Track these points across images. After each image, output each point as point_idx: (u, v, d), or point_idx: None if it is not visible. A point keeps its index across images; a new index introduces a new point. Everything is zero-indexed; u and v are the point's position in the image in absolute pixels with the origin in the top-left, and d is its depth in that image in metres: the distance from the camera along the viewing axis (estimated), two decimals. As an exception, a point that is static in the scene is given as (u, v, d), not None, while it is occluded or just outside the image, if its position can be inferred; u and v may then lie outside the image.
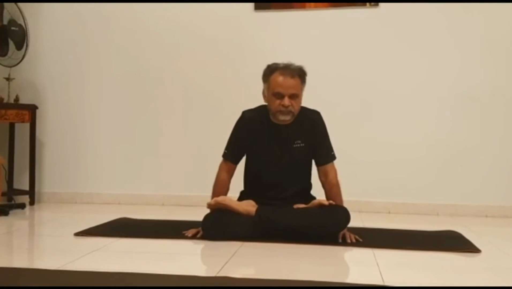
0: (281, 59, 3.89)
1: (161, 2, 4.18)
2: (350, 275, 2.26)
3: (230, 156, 2.93)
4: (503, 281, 2.06)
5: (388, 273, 2.10)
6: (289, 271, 2.15)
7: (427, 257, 2.46)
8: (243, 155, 2.97)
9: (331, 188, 2.87)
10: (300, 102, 2.82)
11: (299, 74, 2.78)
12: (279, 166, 2.87)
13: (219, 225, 2.72)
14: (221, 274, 2.05)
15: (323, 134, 2.90)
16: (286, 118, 2.78)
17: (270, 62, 3.83)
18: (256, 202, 2.79)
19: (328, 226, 2.68)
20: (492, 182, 3.84)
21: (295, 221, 2.70)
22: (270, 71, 2.81)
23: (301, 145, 2.85)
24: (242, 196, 2.96)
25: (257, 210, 2.74)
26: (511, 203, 3.80)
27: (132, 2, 4.22)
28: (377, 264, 2.27)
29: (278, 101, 2.74)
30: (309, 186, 2.99)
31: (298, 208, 2.78)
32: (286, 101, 2.73)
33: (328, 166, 2.89)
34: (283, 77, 2.75)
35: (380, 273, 2.11)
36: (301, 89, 2.80)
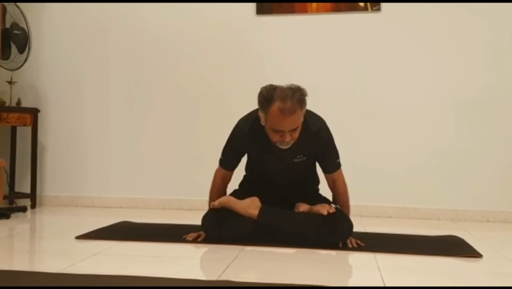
0: (282, 64, 3.99)
1: (163, 2, 4.18)
2: (352, 279, 2.25)
3: (226, 163, 2.89)
4: (504, 286, 2.05)
5: (390, 277, 2.10)
6: (291, 275, 2.15)
7: (428, 262, 2.45)
8: (239, 162, 2.92)
9: (337, 195, 2.86)
10: (300, 126, 2.60)
11: (300, 105, 2.51)
12: (280, 177, 2.84)
13: (219, 226, 2.72)
14: (222, 278, 2.05)
15: (329, 144, 2.77)
16: (286, 147, 2.62)
17: (269, 69, 3.98)
18: (259, 198, 2.76)
19: (330, 237, 2.65)
20: (493, 187, 3.83)
21: (297, 229, 2.69)
22: (268, 102, 2.51)
23: (303, 159, 2.77)
24: (245, 187, 2.96)
25: (259, 215, 2.70)
26: (512, 208, 3.81)
27: (132, 2, 4.23)
28: (379, 268, 2.26)
29: (278, 135, 2.56)
30: (314, 181, 2.99)
31: (301, 214, 2.75)
32: (287, 137, 2.55)
33: (335, 174, 2.84)
34: (283, 115, 2.48)
35: (382, 277, 2.11)
36: (302, 116, 2.57)
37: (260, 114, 2.61)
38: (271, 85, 2.58)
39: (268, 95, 2.53)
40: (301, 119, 2.58)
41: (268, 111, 2.53)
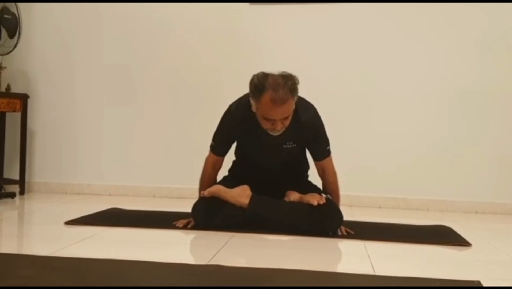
0: (276, 53, 3.97)
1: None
2: (341, 265, 2.26)
3: (217, 149, 2.85)
4: (494, 273, 2.07)
5: (379, 264, 2.11)
6: (281, 261, 2.15)
7: (418, 250, 2.47)
8: (230, 148, 2.90)
9: (327, 184, 2.86)
10: (292, 114, 2.58)
11: (292, 94, 2.49)
12: (269, 163, 2.83)
13: (209, 214, 2.70)
14: (212, 262, 2.04)
15: (319, 132, 2.76)
16: (277, 134, 2.61)
17: (263, 58, 3.96)
18: (249, 184, 2.75)
19: (320, 229, 2.64)
20: (483, 178, 3.86)
21: (287, 220, 2.68)
22: (259, 91, 2.49)
23: (293, 145, 2.75)
24: (234, 172, 2.96)
25: (249, 204, 2.68)
26: (501, 200, 3.83)
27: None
28: (368, 255, 2.27)
29: (269, 123, 2.54)
30: (304, 167, 2.98)
31: (292, 204, 2.74)
32: (279, 125, 2.53)
33: (325, 162, 2.83)
34: (275, 104, 2.45)
35: (371, 264, 2.11)
36: (294, 104, 2.56)
37: (252, 101, 2.59)
38: (263, 73, 2.55)
39: (260, 83, 2.50)
40: (293, 107, 2.57)
41: (259, 100, 2.51)
